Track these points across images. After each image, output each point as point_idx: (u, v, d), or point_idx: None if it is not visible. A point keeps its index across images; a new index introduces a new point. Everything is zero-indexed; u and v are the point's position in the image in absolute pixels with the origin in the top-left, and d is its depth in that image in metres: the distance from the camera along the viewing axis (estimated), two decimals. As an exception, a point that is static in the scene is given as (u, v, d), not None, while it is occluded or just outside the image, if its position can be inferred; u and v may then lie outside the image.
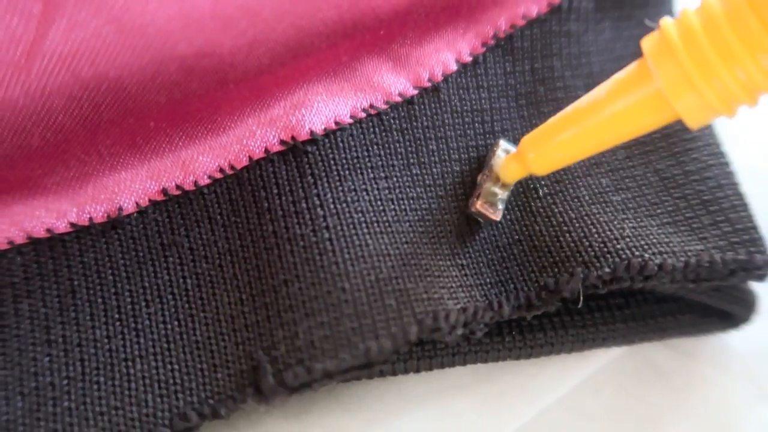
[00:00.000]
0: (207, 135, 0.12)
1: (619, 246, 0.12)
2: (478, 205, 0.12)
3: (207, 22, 0.10)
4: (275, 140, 0.12)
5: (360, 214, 0.12)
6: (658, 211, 0.13)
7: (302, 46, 0.11)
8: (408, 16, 0.12)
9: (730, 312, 0.13)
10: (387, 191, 0.12)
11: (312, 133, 0.12)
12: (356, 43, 0.12)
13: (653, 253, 0.12)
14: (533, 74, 0.14)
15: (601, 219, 0.13)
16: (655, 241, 0.12)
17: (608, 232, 0.12)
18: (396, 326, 0.11)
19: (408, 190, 0.13)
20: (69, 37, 0.09)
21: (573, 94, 0.14)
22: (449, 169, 0.13)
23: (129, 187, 0.11)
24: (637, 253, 0.12)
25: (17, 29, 0.09)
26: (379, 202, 0.12)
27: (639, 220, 0.13)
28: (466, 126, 0.13)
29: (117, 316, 0.11)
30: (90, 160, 0.11)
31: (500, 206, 0.13)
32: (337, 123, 0.12)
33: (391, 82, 0.13)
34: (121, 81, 0.09)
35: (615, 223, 0.12)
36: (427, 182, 0.13)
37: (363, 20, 0.11)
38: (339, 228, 0.11)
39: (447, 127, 0.13)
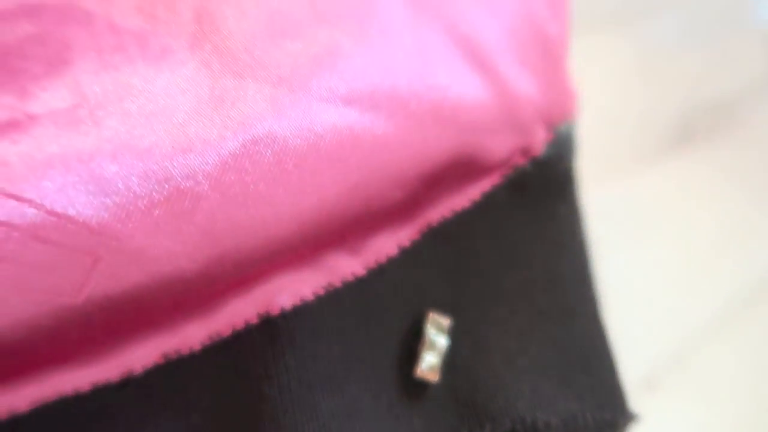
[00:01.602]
0: (203, 314, 0.15)
1: (519, 405, 0.15)
2: (419, 372, 0.16)
3: (207, 251, 0.13)
4: (253, 314, 0.15)
5: (316, 376, 0.15)
6: (550, 373, 0.16)
7: (272, 256, 0.15)
8: (360, 222, 0.16)
9: None
10: (339, 355, 0.16)
11: (282, 308, 0.15)
12: (322, 243, 0.15)
13: (544, 412, 0.15)
14: (459, 253, 0.18)
15: (507, 380, 0.16)
16: (545, 401, 0.16)
17: (511, 392, 0.16)
18: None
19: (358, 352, 0.16)
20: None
21: (493, 268, 0.17)
22: (393, 335, 0.17)
23: (138, 356, 0.15)
24: (530, 412, 0.15)
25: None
26: (332, 365, 0.16)
27: (534, 381, 0.16)
28: (406, 298, 0.17)
29: None
30: (111, 341, 0.14)
31: (435, 369, 0.16)
32: (301, 299, 0.16)
33: (346, 266, 0.16)
34: (142, 295, 0.13)
35: (517, 384, 0.16)
36: (373, 346, 0.16)
37: (321, 233, 0.15)
38: (297, 390, 0.15)
39: (390, 300, 0.17)
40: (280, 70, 0.14)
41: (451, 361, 0.16)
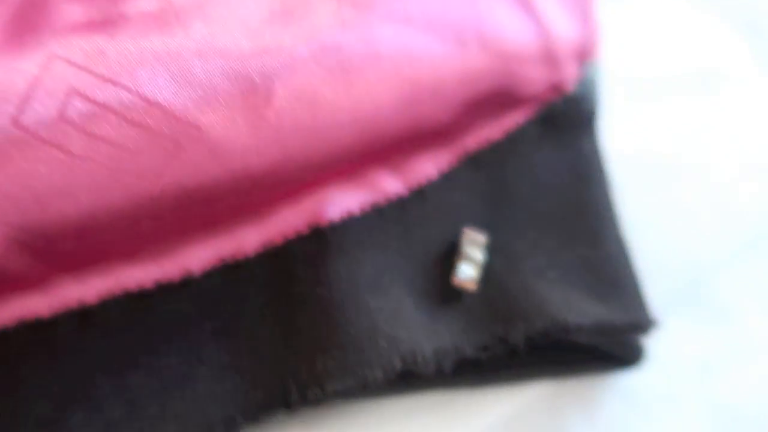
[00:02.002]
0: (256, 221, 0.16)
1: (550, 309, 0.17)
2: (455, 281, 0.17)
3: (274, 150, 0.14)
4: (304, 224, 0.16)
5: (363, 280, 0.16)
6: (579, 285, 0.17)
7: (328, 164, 0.16)
8: (407, 140, 0.17)
9: (624, 357, 0.17)
10: (383, 264, 0.17)
11: (330, 220, 0.16)
12: (368, 158, 0.17)
13: (575, 315, 0.17)
14: (491, 181, 0.19)
15: (539, 289, 0.17)
16: (576, 307, 0.17)
17: (543, 299, 0.17)
18: (386, 361, 0.15)
19: (399, 263, 0.17)
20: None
21: (525, 194, 0.19)
22: (431, 250, 0.18)
23: (197, 258, 0.16)
24: (562, 315, 0.16)
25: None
26: (377, 271, 0.17)
27: (565, 291, 0.17)
28: (443, 218, 0.18)
29: (187, 347, 0.16)
30: (174, 240, 0.15)
31: (472, 279, 0.17)
32: (348, 213, 0.17)
33: (390, 185, 0.17)
34: (212, 190, 0.14)
35: (549, 292, 0.17)
36: (414, 259, 0.17)
37: (373, 144, 0.16)
38: (347, 291, 0.16)
39: (429, 219, 0.18)
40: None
41: (485, 276, 0.17)
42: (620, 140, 0.23)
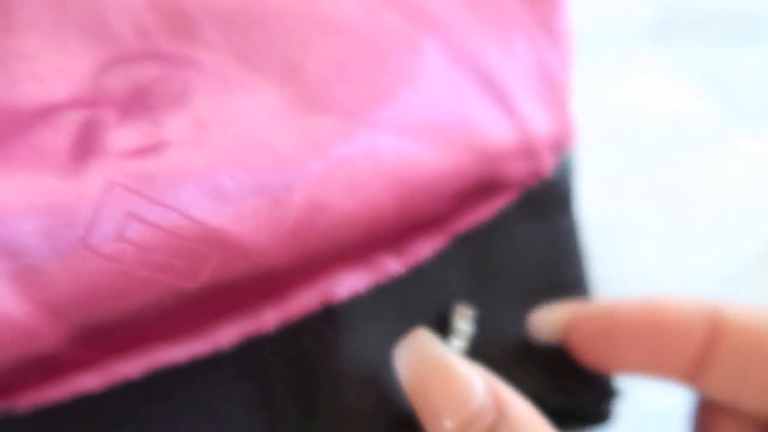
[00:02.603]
0: (275, 303, 0.18)
1: (529, 381, 0.19)
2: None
3: (292, 248, 0.17)
4: (317, 304, 0.19)
5: (368, 353, 0.19)
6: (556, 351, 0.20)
7: (337, 254, 0.18)
8: (405, 229, 0.19)
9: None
10: (384, 336, 0.19)
11: (339, 299, 0.19)
12: (371, 246, 0.19)
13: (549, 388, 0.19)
14: (478, 257, 0.21)
15: (520, 358, 0.20)
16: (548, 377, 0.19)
17: (524, 368, 0.19)
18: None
19: (397, 334, 0.20)
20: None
21: (508, 269, 0.21)
22: (425, 321, 0.20)
23: (226, 335, 0.18)
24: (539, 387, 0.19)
25: None
26: (379, 343, 0.19)
27: (543, 359, 0.20)
28: (436, 292, 0.20)
29: (218, 415, 0.18)
30: (206, 322, 0.18)
31: (461, 351, 0.20)
32: (355, 291, 0.19)
33: (391, 266, 0.20)
34: (238, 282, 0.17)
35: (527, 360, 0.20)
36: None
37: (375, 236, 0.19)
38: (356, 364, 0.18)
39: (424, 293, 0.20)
40: (348, 106, 0.17)
41: (473, 346, 0.20)
42: (588, 203, 0.25)
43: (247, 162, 0.16)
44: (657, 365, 0.18)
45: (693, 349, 0.18)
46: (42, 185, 0.14)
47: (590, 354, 0.19)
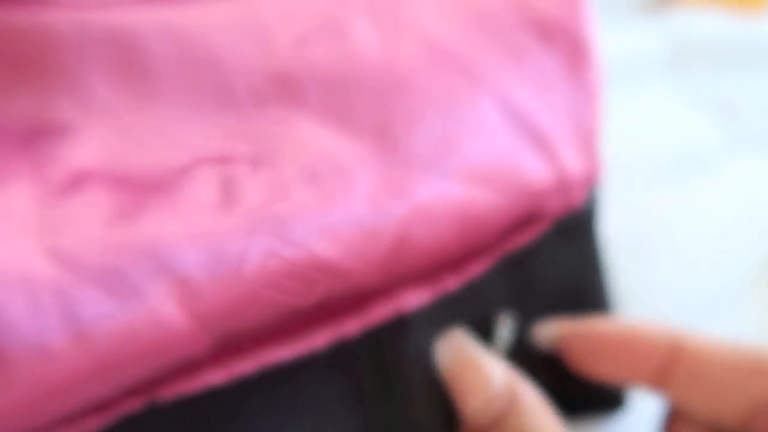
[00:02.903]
0: (360, 313, 0.23)
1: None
2: None
3: (379, 272, 0.21)
4: (391, 313, 0.23)
5: (429, 355, 0.23)
6: None
7: (411, 277, 0.22)
8: (464, 255, 0.23)
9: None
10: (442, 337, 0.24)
11: (409, 310, 0.23)
12: (437, 269, 0.23)
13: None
14: (519, 275, 0.25)
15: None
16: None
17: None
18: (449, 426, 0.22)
19: None
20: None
21: (545, 286, 0.26)
22: (473, 329, 0.24)
23: (318, 340, 0.22)
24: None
25: None
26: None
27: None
28: (482, 304, 0.25)
29: (319, 405, 0.22)
30: (303, 328, 0.22)
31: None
32: (421, 304, 0.23)
33: (450, 283, 0.24)
34: (336, 299, 0.21)
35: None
36: None
37: (441, 263, 0.23)
38: (420, 363, 0.23)
39: (472, 305, 0.24)
40: (425, 158, 0.21)
41: (512, 350, 0.24)
42: (609, 224, 0.29)
43: (351, 206, 0.20)
44: (627, 375, 0.23)
45: (655, 365, 0.22)
46: (202, 225, 0.18)
47: (578, 363, 0.24)
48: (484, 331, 0.24)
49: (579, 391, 0.25)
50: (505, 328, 0.24)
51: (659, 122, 0.39)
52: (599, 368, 0.24)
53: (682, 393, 0.22)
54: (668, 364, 0.22)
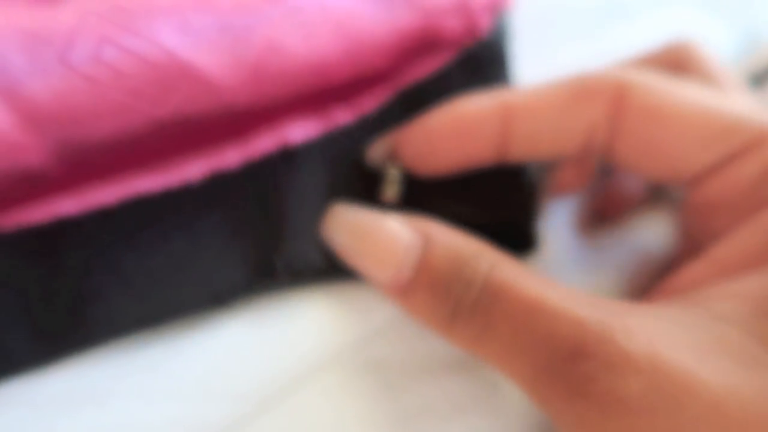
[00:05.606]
0: (240, 143, 0.20)
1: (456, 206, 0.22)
2: (382, 197, 0.22)
3: (252, 88, 0.19)
4: (275, 146, 0.21)
5: (313, 188, 0.21)
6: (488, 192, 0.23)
7: (293, 100, 0.20)
8: (353, 81, 0.21)
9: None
10: (332, 173, 0.22)
11: (295, 142, 0.21)
12: (324, 96, 0.21)
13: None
14: (417, 111, 0.23)
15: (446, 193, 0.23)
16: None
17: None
18: (326, 250, 0.20)
19: (339, 176, 0.22)
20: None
21: None
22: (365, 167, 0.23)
23: (194, 169, 0.20)
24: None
25: None
26: (322, 182, 0.21)
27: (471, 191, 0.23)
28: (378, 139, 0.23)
29: (192, 235, 0.20)
30: (174, 156, 0.20)
31: (393, 194, 0.22)
32: (308, 137, 0.21)
33: (341, 116, 0.22)
34: (204, 117, 0.19)
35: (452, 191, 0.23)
36: (349, 173, 0.22)
37: (326, 85, 0.20)
38: (304, 195, 0.21)
39: (366, 140, 0.23)
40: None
41: (404, 190, 0.23)
42: (524, 68, 0.27)
43: (212, 3, 0.17)
44: (467, 155, 0.21)
45: (491, 136, 0.21)
46: (21, 15, 0.16)
47: (416, 163, 0.22)
48: (375, 179, 0.22)
49: (484, 230, 0.23)
50: (397, 166, 0.22)
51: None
52: (439, 161, 0.22)
53: (633, 151, 0.20)
54: (613, 120, 0.20)
